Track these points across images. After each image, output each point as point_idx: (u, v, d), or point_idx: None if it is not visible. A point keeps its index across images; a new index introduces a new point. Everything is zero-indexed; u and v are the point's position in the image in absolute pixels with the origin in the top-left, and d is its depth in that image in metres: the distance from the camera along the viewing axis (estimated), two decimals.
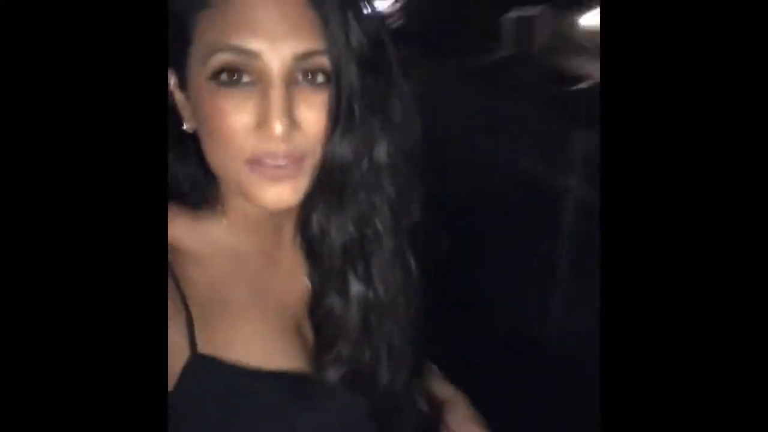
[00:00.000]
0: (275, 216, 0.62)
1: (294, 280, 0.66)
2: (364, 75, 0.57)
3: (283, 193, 0.56)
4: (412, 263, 0.65)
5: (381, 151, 0.60)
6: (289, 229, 0.66)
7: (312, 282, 0.65)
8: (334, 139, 0.57)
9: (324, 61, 0.55)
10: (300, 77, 0.55)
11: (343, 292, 0.63)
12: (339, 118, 0.57)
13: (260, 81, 0.54)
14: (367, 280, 0.63)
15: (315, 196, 0.61)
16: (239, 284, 0.62)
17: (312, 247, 0.64)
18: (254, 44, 0.53)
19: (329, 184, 0.60)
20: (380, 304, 0.63)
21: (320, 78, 0.56)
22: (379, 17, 0.60)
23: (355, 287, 0.63)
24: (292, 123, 0.54)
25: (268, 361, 0.59)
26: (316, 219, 0.62)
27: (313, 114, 0.56)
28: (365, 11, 0.58)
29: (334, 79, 0.56)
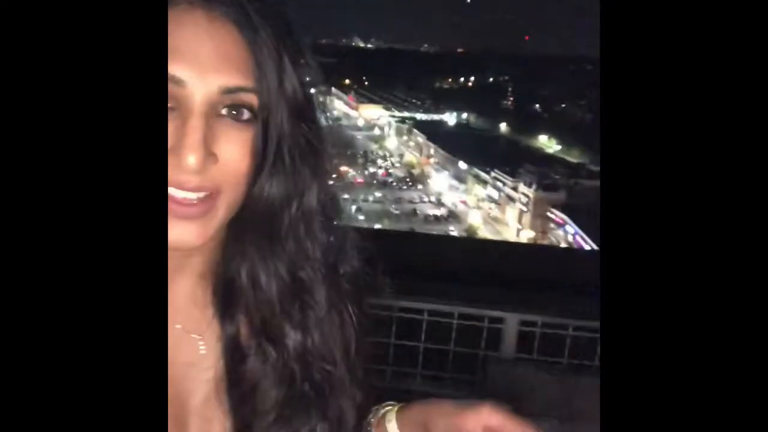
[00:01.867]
0: (174, 258, 0.56)
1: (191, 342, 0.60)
2: (294, 120, 0.57)
3: (189, 232, 0.53)
4: (351, 310, 0.64)
5: (311, 197, 0.59)
6: (190, 277, 0.60)
7: (228, 340, 0.61)
8: (261, 181, 0.56)
9: (252, 98, 0.54)
10: (225, 111, 0.54)
11: (278, 343, 0.60)
12: (266, 160, 0.56)
13: (182, 109, 0.53)
14: (303, 328, 0.61)
15: (242, 241, 0.59)
16: None
17: (234, 299, 0.60)
18: (180, 72, 0.52)
19: (258, 229, 0.58)
20: (317, 353, 0.62)
21: (246, 115, 0.54)
22: (315, 68, 0.60)
23: (292, 337, 0.60)
24: (209, 156, 0.52)
25: None
26: (245, 267, 0.59)
27: (233, 150, 0.54)
28: (302, 60, 0.58)
29: (262, 119, 0.55)
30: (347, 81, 54.96)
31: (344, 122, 49.55)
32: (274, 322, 0.60)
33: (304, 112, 0.58)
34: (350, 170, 38.32)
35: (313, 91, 0.59)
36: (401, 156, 43.78)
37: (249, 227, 0.58)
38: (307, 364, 0.62)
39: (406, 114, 51.18)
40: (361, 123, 49.62)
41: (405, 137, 46.03)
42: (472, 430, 0.61)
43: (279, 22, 0.56)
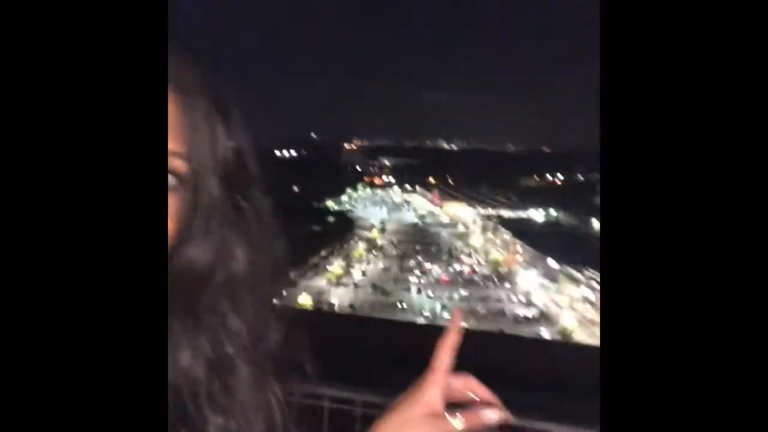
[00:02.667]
0: None
1: None
2: (224, 188, 0.55)
3: None
4: (276, 392, 0.60)
5: (238, 267, 0.57)
6: None
7: None
8: (186, 249, 0.54)
9: (180, 165, 0.53)
10: None
11: (199, 428, 0.55)
12: (192, 227, 0.54)
13: None
14: (225, 412, 0.56)
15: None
16: None
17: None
18: None
19: (180, 301, 0.54)
20: None
21: (171, 181, 0.52)
22: (246, 135, 0.58)
23: (212, 422, 0.56)
24: None
25: None
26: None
27: None
28: (235, 126, 0.57)
29: (192, 186, 0.54)
30: (431, 180, 55.87)
31: (428, 219, 49.80)
32: (194, 405, 0.55)
33: (237, 179, 0.56)
34: (435, 267, 37.75)
35: (245, 158, 0.57)
36: (487, 253, 42.78)
37: (170, 298, 0.52)
38: None
39: (491, 211, 50.74)
40: (445, 220, 49.56)
41: (490, 234, 45.23)
42: (457, 386, 0.65)
43: (213, 87, 0.56)
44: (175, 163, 0.52)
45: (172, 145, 0.51)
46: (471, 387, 0.66)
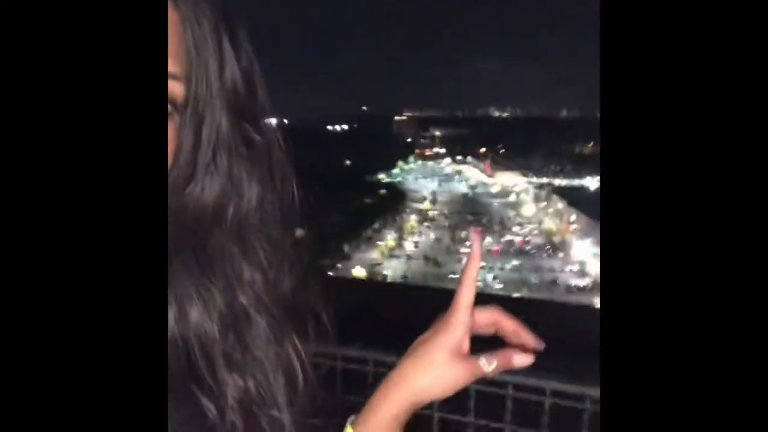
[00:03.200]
0: None
1: None
2: (232, 117, 0.48)
3: None
4: (295, 345, 0.54)
5: (249, 205, 0.50)
6: None
7: None
8: (191, 187, 0.47)
9: (178, 89, 0.45)
10: None
11: (216, 392, 0.49)
12: (197, 162, 0.47)
13: None
14: (243, 372, 0.50)
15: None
16: None
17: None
18: None
19: (187, 245, 0.48)
20: (260, 399, 0.51)
21: (168, 108, 0.45)
22: (254, 57, 0.50)
23: (231, 384, 0.49)
24: None
25: None
26: (172, 294, 0.48)
27: None
28: (243, 46, 0.49)
29: (194, 114, 0.46)
30: (483, 149, 55.30)
31: (480, 190, 49.49)
32: (208, 366, 0.49)
33: (246, 108, 0.49)
34: (487, 237, 37.75)
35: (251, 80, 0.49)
36: (540, 223, 42.44)
37: (176, 243, 0.46)
38: (251, 416, 0.51)
39: (544, 180, 49.97)
40: (497, 190, 49.23)
41: (543, 203, 44.70)
42: (482, 321, 0.60)
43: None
44: (173, 86, 0.45)
45: (169, 66, 0.44)
46: (497, 320, 0.61)
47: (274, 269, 0.52)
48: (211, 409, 0.49)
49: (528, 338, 0.60)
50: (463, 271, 0.61)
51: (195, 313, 0.48)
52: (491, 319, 0.61)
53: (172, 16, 0.45)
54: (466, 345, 0.60)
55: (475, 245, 0.61)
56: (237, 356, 0.50)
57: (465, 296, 0.59)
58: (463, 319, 0.59)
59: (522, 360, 0.59)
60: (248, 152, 0.50)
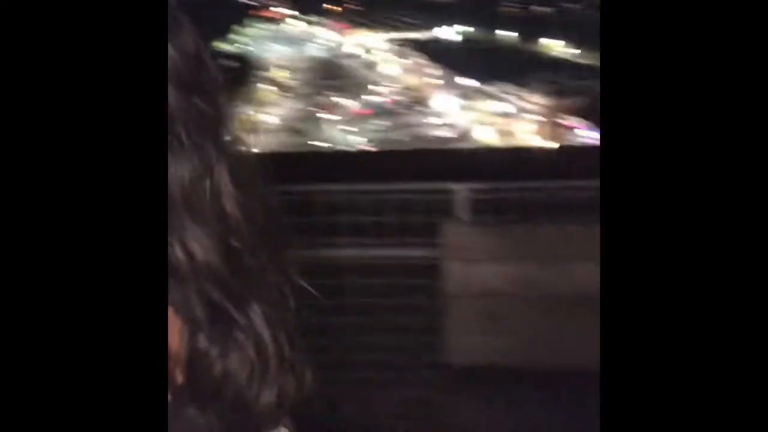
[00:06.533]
0: None
1: None
2: (184, 92, 0.50)
3: None
4: (292, 282, 0.59)
5: (222, 173, 0.53)
6: None
7: None
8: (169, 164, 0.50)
9: None
10: None
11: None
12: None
13: None
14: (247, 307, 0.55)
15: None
16: None
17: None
18: None
19: (176, 209, 0.51)
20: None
21: None
22: (197, 32, 0.52)
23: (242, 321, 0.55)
24: None
25: None
26: (176, 237, 0.51)
27: None
28: (184, 24, 0.51)
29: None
30: (335, 7, 52.37)
31: (336, 51, 47.56)
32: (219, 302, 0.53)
33: (195, 80, 0.51)
34: (349, 101, 37.11)
35: (199, 58, 0.51)
36: (398, 80, 42.32)
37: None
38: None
39: (398, 35, 49.14)
40: (350, 50, 47.61)
41: (400, 59, 44.30)
42: None
43: None
44: None
45: None
46: None
47: (248, 209, 0.56)
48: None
49: None
50: None
51: (199, 248, 0.52)
52: None
53: None
54: None
55: None
56: (243, 292, 0.55)
57: None
58: None
59: None
60: (206, 123, 0.52)
